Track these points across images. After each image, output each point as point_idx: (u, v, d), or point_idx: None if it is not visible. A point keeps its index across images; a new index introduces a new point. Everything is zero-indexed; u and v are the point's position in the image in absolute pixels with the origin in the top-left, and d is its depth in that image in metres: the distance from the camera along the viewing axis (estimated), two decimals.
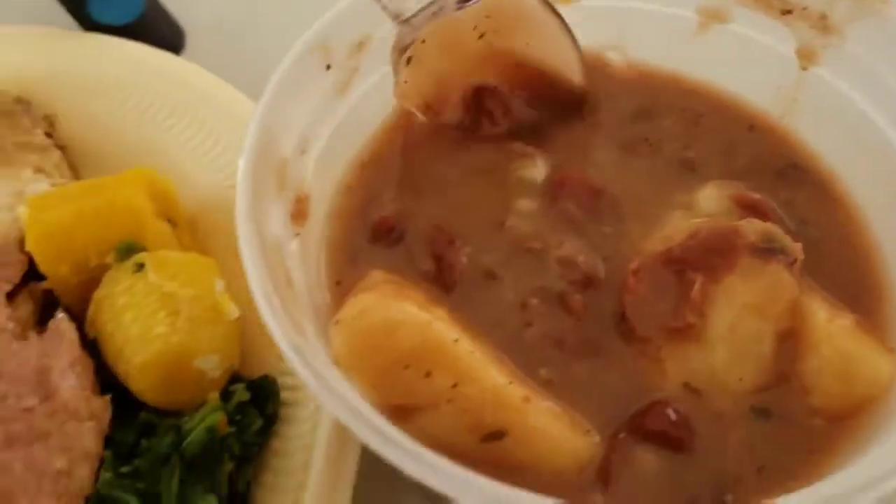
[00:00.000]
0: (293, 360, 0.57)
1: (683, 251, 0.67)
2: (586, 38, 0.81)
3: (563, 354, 0.67)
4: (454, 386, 0.61)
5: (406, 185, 0.77)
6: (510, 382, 0.62)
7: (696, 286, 0.65)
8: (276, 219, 0.68)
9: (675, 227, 0.70)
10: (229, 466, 0.74)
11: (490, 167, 0.77)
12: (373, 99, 0.79)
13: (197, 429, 0.72)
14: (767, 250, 0.66)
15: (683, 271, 0.67)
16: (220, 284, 0.82)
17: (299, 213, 0.71)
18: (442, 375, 0.61)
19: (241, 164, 0.65)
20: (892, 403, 0.64)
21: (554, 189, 0.74)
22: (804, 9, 0.79)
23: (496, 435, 0.61)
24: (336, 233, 0.74)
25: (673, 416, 0.63)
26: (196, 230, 0.94)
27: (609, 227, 0.72)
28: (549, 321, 0.68)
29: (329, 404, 0.55)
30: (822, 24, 0.78)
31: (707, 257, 0.66)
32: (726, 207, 0.73)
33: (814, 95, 0.80)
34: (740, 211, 0.72)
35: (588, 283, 0.69)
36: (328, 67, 0.75)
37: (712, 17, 0.83)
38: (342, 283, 0.70)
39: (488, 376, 0.62)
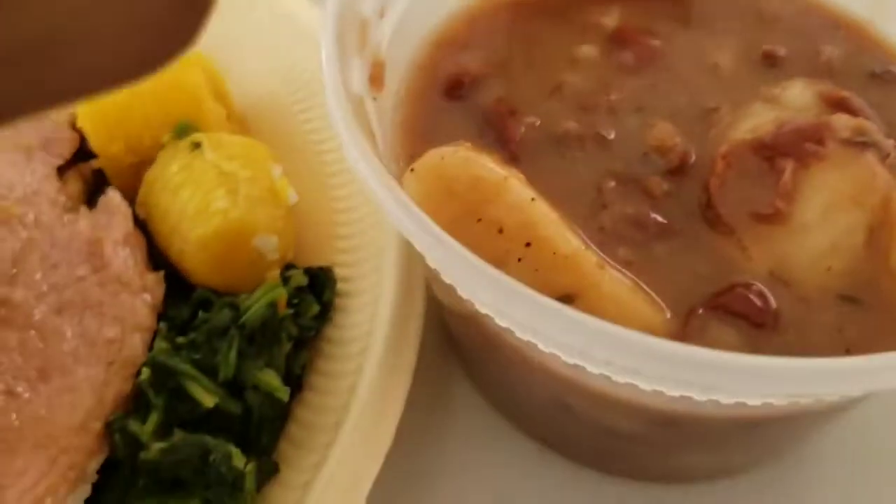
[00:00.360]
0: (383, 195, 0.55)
1: (774, 138, 0.65)
2: None
3: (643, 235, 0.64)
4: (527, 245, 0.59)
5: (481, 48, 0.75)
6: (585, 248, 0.60)
7: (787, 172, 0.63)
8: (359, 77, 0.65)
9: (764, 117, 0.68)
10: (287, 347, 0.72)
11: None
12: None
13: (257, 304, 0.70)
14: (860, 143, 0.64)
15: (773, 158, 0.64)
16: (277, 169, 0.80)
17: (376, 77, 0.69)
18: (515, 233, 0.59)
19: (326, 15, 0.62)
20: None
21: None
22: None
23: (566, 299, 0.59)
24: (408, 110, 0.72)
25: (756, 297, 0.61)
26: (246, 126, 0.92)
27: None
28: (627, 203, 0.66)
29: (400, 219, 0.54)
30: None
31: (798, 145, 0.64)
32: (814, 103, 0.70)
33: None
34: (828, 108, 0.70)
35: (678, 169, 0.67)
36: None
37: None
38: (416, 157, 0.68)
39: (563, 239, 0.60)
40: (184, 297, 0.75)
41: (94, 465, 0.67)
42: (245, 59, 0.96)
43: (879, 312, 0.62)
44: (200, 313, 0.71)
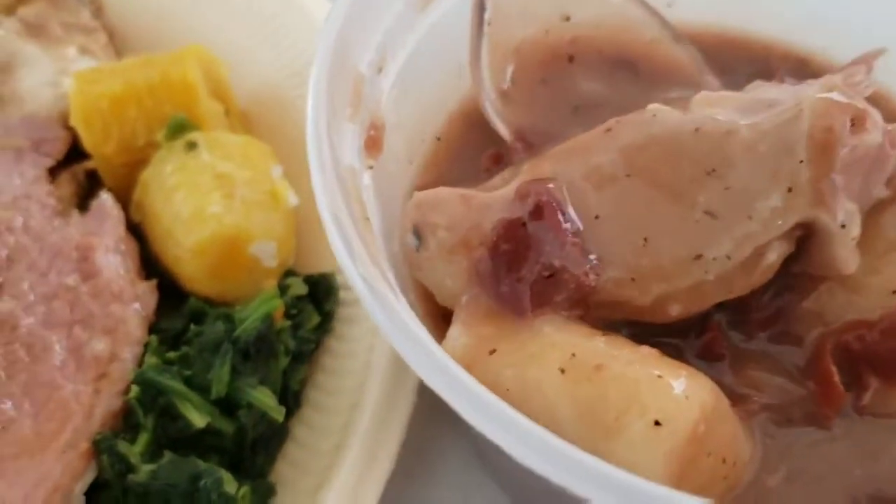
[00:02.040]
0: (363, 293, 0.50)
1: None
2: None
3: None
4: None
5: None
6: None
7: None
8: (351, 144, 0.59)
9: None
10: (284, 362, 0.68)
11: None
12: (460, 18, 0.67)
13: (252, 316, 0.66)
14: None
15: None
16: (277, 170, 0.75)
17: (373, 142, 0.62)
18: None
19: (315, 69, 0.56)
20: None
21: None
22: None
23: None
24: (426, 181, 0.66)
25: None
26: (248, 122, 0.87)
27: None
28: None
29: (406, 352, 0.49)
30: None
31: None
32: None
33: None
34: None
35: None
36: None
37: None
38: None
39: None
40: (177, 306, 0.72)
41: (81, 487, 0.63)
42: (250, 50, 0.91)
43: None
44: (192, 326, 0.67)
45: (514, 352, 0.54)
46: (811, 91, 0.56)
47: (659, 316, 0.57)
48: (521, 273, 0.55)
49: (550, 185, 0.57)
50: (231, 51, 0.88)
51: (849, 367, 0.58)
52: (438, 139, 0.69)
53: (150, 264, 0.74)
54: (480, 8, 0.64)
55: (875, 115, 0.56)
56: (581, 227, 0.56)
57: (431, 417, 0.71)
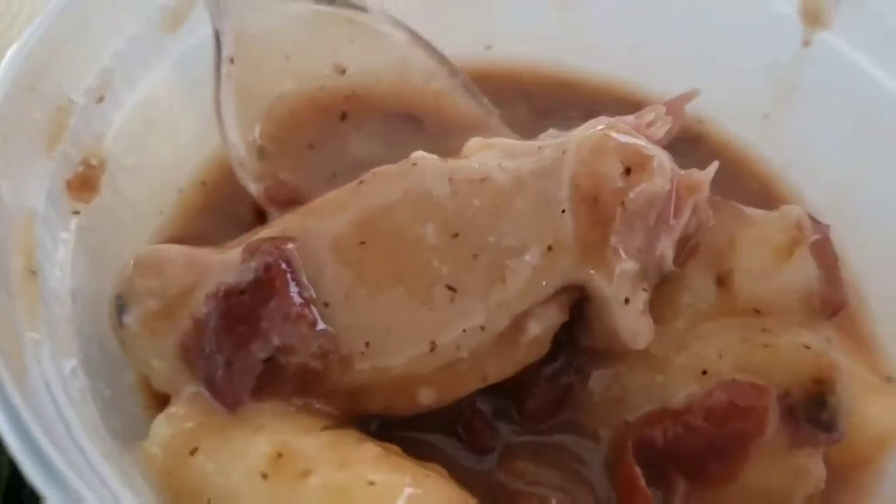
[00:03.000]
0: None
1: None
2: None
3: None
4: None
5: None
6: None
7: None
8: (37, 180, 0.49)
9: None
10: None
11: None
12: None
13: None
14: None
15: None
16: None
17: (85, 183, 0.52)
18: None
19: None
20: None
21: None
22: None
23: None
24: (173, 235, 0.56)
25: None
26: None
27: None
28: None
29: None
30: None
31: None
32: None
33: None
34: None
35: None
36: None
37: None
38: None
39: None
40: None
41: None
42: None
43: None
44: None
45: (219, 450, 0.44)
46: (579, 132, 0.46)
47: (409, 407, 0.46)
48: (234, 355, 0.44)
49: (289, 246, 0.46)
50: None
51: (654, 463, 0.47)
52: (203, 183, 0.59)
53: None
54: (217, 41, 0.53)
55: (662, 158, 0.46)
56: (315, 296, 0.45)
57: None
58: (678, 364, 0.48)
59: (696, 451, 0.47)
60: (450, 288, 0.45)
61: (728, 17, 0.64)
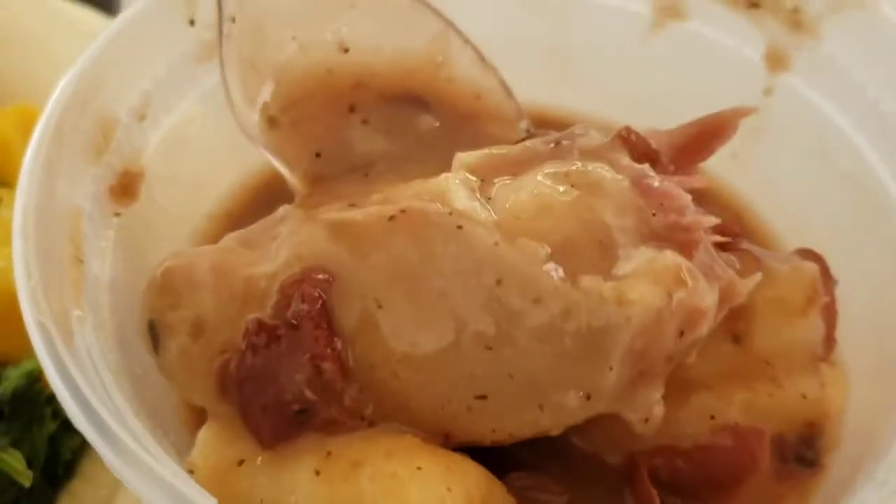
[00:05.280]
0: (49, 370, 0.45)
1: None
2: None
3: None
4: None
5: None
6: None
7: None
8: (85, 183, 0.56)
9: None
10: (51, 427, 0.63)
11: None
12: None
13: (14, 374, 0.62)
14: None
15: None
16: None
17: (126, 189, 0.59)
18: None
19: (52, 99, 0.53)
20: None
21: None
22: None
23: None
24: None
25: None
26: None
27: None
28: None
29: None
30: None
31: None
32: None
33: None
34: None
35: None
36: (192, 23, 0.63)
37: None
38: None
39: None
40: None
41: None
42: None
43: None
44: None
45: (267, 459, 0.48)
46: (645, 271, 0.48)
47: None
48: (267, 401, 0.47)
49: (321, 276, 0.47)
50: None
51: (655, 487, 0.52)
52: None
53: None
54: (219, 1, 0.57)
55: (710, 303, 0.48)
56: (345, 352, 0.48)
57: None
58: (690, 408, 0.54)
59: (696, 481, 0.53)
60: (479, 397, 0.48)
61: (697, 60, 0.71)
